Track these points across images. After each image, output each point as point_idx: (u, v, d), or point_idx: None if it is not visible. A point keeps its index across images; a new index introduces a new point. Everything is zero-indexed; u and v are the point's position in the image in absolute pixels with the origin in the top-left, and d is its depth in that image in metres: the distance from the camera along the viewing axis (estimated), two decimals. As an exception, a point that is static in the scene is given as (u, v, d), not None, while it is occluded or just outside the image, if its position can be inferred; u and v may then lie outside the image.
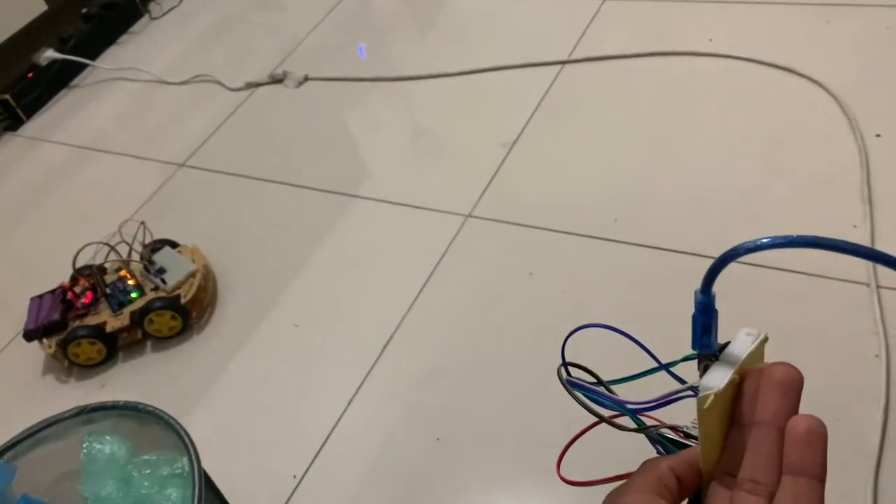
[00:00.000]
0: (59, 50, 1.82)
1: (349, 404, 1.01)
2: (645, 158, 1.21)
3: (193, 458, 0.67)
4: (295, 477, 0.96)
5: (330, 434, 0.99)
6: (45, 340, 1.15)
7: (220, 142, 1.53)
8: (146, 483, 0.68)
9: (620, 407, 0.35)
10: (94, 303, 1.17)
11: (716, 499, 0.32)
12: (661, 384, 0.36)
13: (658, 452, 0.36)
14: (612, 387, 0.37)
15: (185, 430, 0.69)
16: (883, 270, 0.95)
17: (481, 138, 1.34)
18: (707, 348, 0.32)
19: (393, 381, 1.03)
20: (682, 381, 0.34)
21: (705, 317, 0.32)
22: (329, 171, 1.38)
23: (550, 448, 0.38)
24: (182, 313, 1.15)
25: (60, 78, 1.84)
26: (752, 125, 1.21)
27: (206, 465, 0.69)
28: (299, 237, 1.27)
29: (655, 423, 0.36)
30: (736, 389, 0.32)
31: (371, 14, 1.81)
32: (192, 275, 1.18)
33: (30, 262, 1.38)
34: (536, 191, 1.22)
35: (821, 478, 0.30)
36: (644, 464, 0.34)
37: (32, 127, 1.76)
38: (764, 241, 0.30)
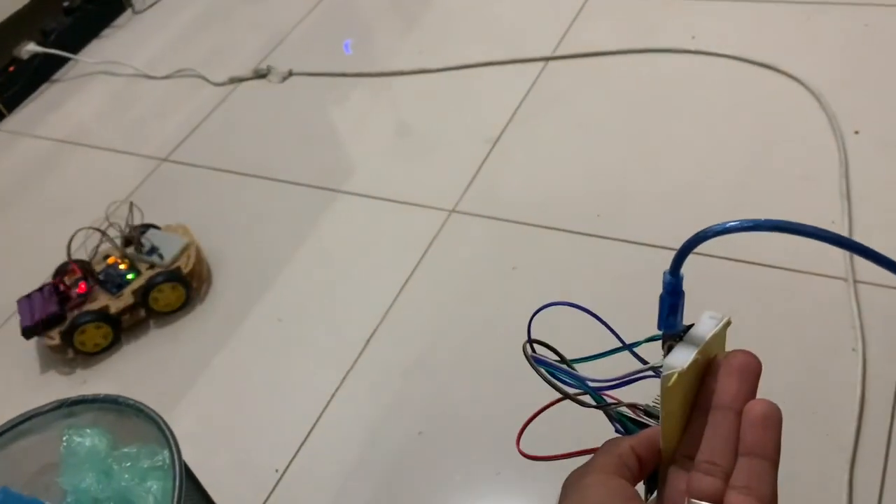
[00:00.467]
0: (40, 43, 1.81)
1: (332, 398, 1.01)
2: (628, 154, 1.22)
3: (174, 450, 0.67)
4: (277, 470, 0.96)
5: (313, 428, 0.99)
6: (47, 334, 1.15)
7: (204, 137, 1.53)
8: (126, 476, 0.68)
9: (582, 384, 0.36)
10: (90, 291, 1.18)
11: (673, 479, 0.33)
12: (627, 365, 0.36)
13: (617, 431, 0.37)
14: (578, 366, 0.37)
15: (165, 423, 0.69)
16: (860, 265, 0.96)
17: (465, 134, 1.34)
18: (672, 329, 0.33)
19: (376, 375, 1.03)
20: (644, 362, 0.35)
21: (672, 298, 0.33)
22: (313, 167, 1.38)
23: (531, 441, 0.39)
24: (184, 284, 1.17)
25: (42, 72, 1.83)
26: (733, 122, 1.22)
27: (187, 458, 0.69)
28: (283, 232, 1.27)
29: (615, 401, 0.36)
30: (699, 371, 0.33)
31: (355, 9, 1.80)
32: (187, 247, 1.20)
33: (11, 257, 1.37)
34: (520, 186, 1.23)
35: (774, 460, 0.32)
36: (606, 443, 0.35)
37: (14, 121, 1.75)
38: (731, 224, 0.31)
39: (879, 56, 1.25)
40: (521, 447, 0.38)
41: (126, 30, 1.95)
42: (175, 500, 0.64)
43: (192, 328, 1.17)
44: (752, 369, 0.33)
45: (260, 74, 1.62)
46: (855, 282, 0.95)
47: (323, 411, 1.00)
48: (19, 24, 1.79)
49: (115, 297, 1.16)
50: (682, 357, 0.32)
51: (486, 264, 1.13)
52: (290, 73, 1.60)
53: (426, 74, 1.50)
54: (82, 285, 1.17)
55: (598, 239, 1.10)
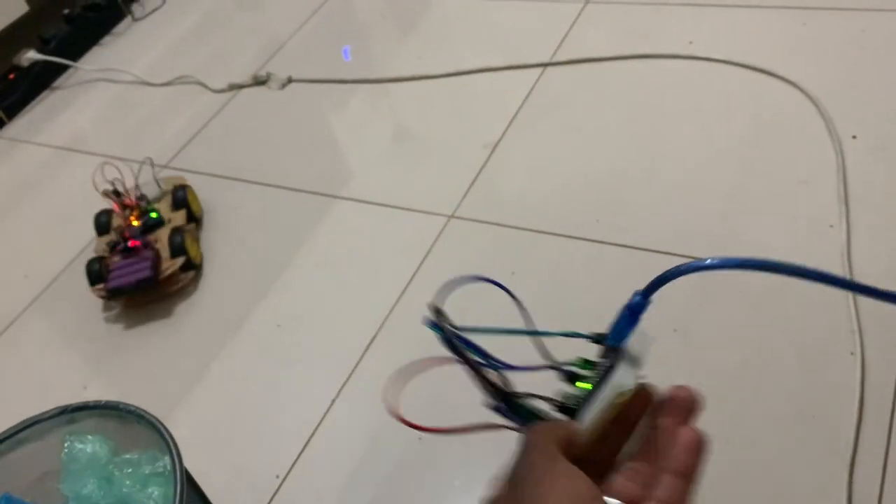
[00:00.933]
0: (40, 51, 1.81)
1: (332, 404, 1.02)
2: (626, 159, 1.22)
3: (175, 456, 0.67)
4: (278, 476, 0.96)
5: (313, 434, 0.99)
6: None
7: (203, 143, 1.53)
8: (128, 482, 0.68)
9: (487, 359, 0.36)
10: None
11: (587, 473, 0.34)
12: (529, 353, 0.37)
13: (511, 420, 0.37)
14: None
15: (166, 429, 0.70)
16: (858, 269, 0.97)
17: (464, 139, 1.35)
18: (618, 342, 0.35)
19: (375, 381, 1.03)
20: (547, 356, 0.37)
21: (633, 317, 0.35)
22: (312, 173, 1.38)
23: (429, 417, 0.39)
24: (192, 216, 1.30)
25: (42, 79, 1.83)
26: (731, 127, 1.22)
27: (188, 464, 0.69)
28: (282, 238, 1.28)
29: (524, 392, 0.37)
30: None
31: (354, 16, 1.81)
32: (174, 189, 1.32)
33: (11, 263, 1.38)
34: (519, 191, 1.23)
35: (694, 483, 0.34)
36: (535, 429, 0.35)
37: (14, 128, 1.75)
38: (710, 261, 0.33)
39: (876, 61, 1.26)
40: (402, 413, 0.38)
41: (126, 37, 1.95)
42: (176, 506, 0.65)
43: (191, 334, 1.17)
44: (692, 406, 0.36)
45: (259, 81, 1.63)
46: (853, 286, 0.95)
47: (323, 417, 1.00)
48: (19, 32, 1.79)
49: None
50: (629, 376, 0.35)
51: (485, 269, 1.13)
52: (290, 80, 1.61)
53: (425, 80, 1.50)
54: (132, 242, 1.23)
55: (597, 244, 1.11)
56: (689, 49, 1.37)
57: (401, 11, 1.76)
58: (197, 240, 1.28)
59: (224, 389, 1.08)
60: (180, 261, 1.20)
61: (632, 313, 0.35)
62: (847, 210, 1.04)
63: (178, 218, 1.27)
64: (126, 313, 1.23)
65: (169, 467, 0.68)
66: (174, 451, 0.68)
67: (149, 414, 0.72)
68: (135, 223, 1.25)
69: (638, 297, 0.35)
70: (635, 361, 0.35)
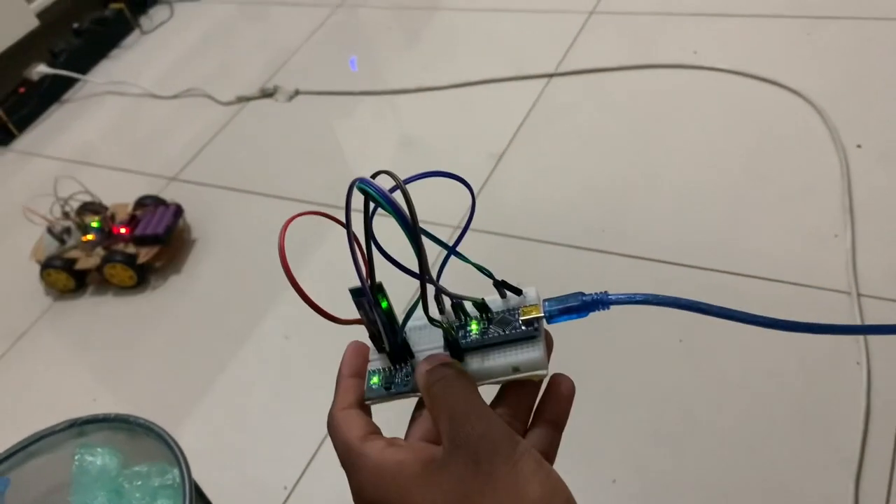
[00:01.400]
0: (50, 65, 1.83)
1: (339, 415, 1.02)
2: (632, 169, 1.23)
3: (184, 469, 0.68)
4: (286, 488, 0.96)
5: (321, 444, 0.99)
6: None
7: (211, 155, 1.54)
8: (137, 494, 0.69)
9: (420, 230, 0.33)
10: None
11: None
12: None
13: (364, 308, 0.36)
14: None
15: (175, 442, 0.70)
16: (863, 279, 0.97)
17: (469, 150, 1.35)
18: (551, 312, 0.35)
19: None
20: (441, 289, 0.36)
21: (582, 313, 0.36)
22: (319, 184, 1.39)
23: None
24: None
25: (52, 92, 1.85)
26: (736, 136, 1.22)
27: (196, 475, 0.70)
28: (289, 249, 1.28)
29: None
30: None
31: (360, 28, 1.82)
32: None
33: (20, 276, 1.39)
34: (524, 201, 1.24)
35: (562, 430, 0.36)
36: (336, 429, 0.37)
37: (24, 141, 1.77)
38: (619, 296, 0.35)
39: (881, 70, 1.26)
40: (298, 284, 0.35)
41: (134, 50, 1.97)
42: (185, 518, 0.65)
43: (199, 345, 1.18)
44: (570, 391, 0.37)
45: (266, 93, 1.64)
46: (858, 295, 0.95)
47: (330, 428, 1.01)
48: (30, 46, 1.81)
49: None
50: (539, 355, 0.34)
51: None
52: (297, 92, 1.62)
53: (431, 91, 1.51)
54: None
55: (603, 254, 1.11)
56: (693, 59, 1.38)
57: (406, 23, 1.77)
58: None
59: (232, 401, 1.09)
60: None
61: (583, 307, 0.35)
62: (852, 219, 1.04)
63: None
64: (135, 326, 1.24)
65: (178, 480, 0.68)
66: (183, 464, 0.68)
67: (158, 426, 0.72)
68: (96, 224, 1.32)
69: (605, 303, 0.35)
70: (540, 341, 0.35)
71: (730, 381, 0.92)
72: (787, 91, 1.26)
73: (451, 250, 0.36)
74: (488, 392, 0.36)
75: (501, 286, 0.36)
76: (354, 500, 0.34)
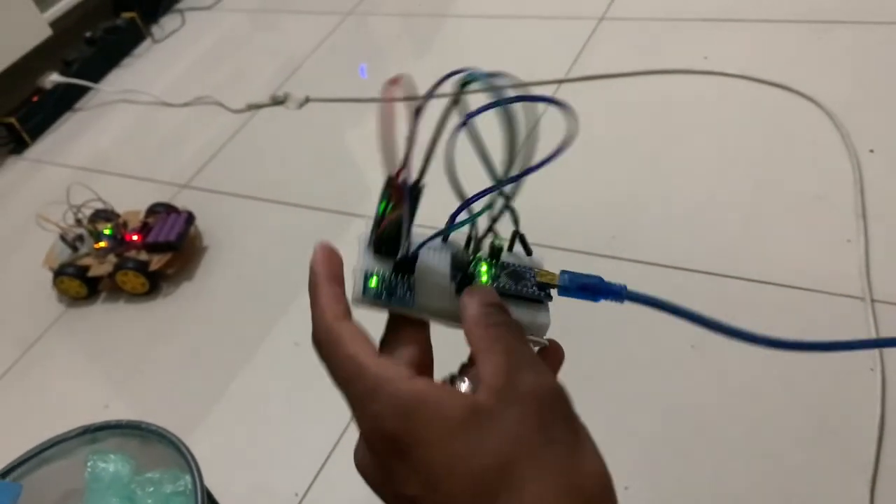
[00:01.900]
0: (63, 73, 1.85)
1: (350, 421, 1.02)
2: (642, 175, 1.23)
3: (196, 475, 0.68)
4: (297, 494, 0.96)
5: (332, 451, 0.99)
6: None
7: (222, 163, 1.55)
8: (150, 501, 0.69)
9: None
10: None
11: None
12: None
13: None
14: None
15: (187, 449, 0.71)
16: (877, 284, 0.96)
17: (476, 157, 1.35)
18: (569, 284, 0.34)
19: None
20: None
21: (596, 297, 0.34)
22: (330, 191, 1.39)
23: None
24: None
25: (64, 101, 1.86)
26: (747, 142, 1.22)
27: (208, 482, 0.70)
28: (300, 256, 1.28)
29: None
30: None
31: (370, 36, 1.83)
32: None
33: (33, 282, 1.39)
34: (535, 209, 1.23)
35: None
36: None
37: (37, 149, 1.78)
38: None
39: (893, 74, 1.25)
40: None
41: (145, 59, 1.98)
42: (197, 525, 0.65)
43: (210, 352, 1.18)
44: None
45: (277, 101, 1.65)
46: (872, 301, 0.94)
47: (342, 435, 1.01)
48: (43, 55, 1.83)
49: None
50: (548, 321, 0.33)
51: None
52: (307, 100, 1.63)
53: (440, 98, 1.51)
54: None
55: (614, 260, 1.11)
56: (703, 64, 1.37)
57: (416, 30, 1.78)
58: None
59: (243, 408, 1.09)
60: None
61: (599, 292, 0.33)
62: (865, 225, 1.03)
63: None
64: (147, 333, 1.25)
65: (190, 486, 0.68)
66: (195, 471, 0.69)
67: (170, 433, 0.73)
68: (108, 231, 1.32)
69: (620, 296, 0.34)
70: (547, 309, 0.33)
71: (743, 388, 0.91)
72: (798, 96, 1.26)
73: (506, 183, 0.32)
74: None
75: (520, 240, 0.35)
76: (364, 428, 0.29)
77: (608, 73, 1.43)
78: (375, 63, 1.72)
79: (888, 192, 1.07)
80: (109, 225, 1.31)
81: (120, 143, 1.73)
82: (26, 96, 1.82)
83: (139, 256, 1.28)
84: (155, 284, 1.29)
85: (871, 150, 1.13)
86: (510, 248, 0.35)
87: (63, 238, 1.32)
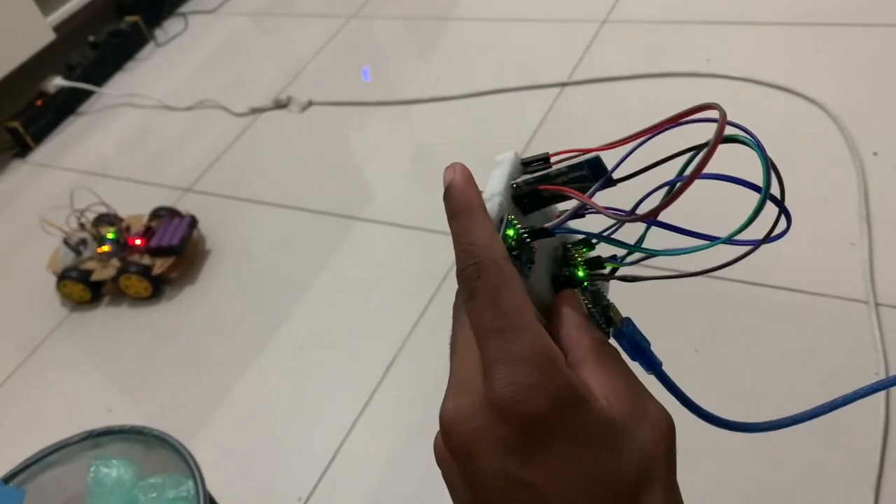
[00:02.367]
0: (66, 77, 1.85)
1: (353, 425, 1.02)
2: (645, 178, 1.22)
3: (199, 480, 0.68)
4: (300, 499, 0.96)
5: (334, 455, 0.99)
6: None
7: (225, 167, 1.55)
8: (152, 506, 0.69)
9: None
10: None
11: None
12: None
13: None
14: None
15: (190, 454, 0.71)
16: (881, 288, 0.96)
17: (483, 160, 1.35)
18: (617, 332, 0.33)
19: (397, 403, 1.03)
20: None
21: (638, 355, 0.33)
22: (333, 195, 1.39)
23: None
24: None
25: (68, 105, 1.87)
26: (751, 145, 1.22)
27: (211, 487, 0.70)
28: (303, 260, 1.29)
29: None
30: None
31: (373, 39, 1.83)
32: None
33: (36, 287, 1.40)
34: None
35: None
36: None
37: (41, 153, 1.78)
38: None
39: (896, 76, 1.25)
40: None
41: (149, 62, 1.99)
42: (200, 530, 0.65)
43: (213, 356, 1.18)
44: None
45: (280, 104, 1.65)
46: (876, 304, 0.94)
47: (344, 439, 1.01)
48: (46, 59, 1.83)
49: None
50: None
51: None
52: (310, 103, 1.63)
53: (443, 102, 1.52)
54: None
55: (617, 264, 1.11)
56: (706, 67, 1.37)
57: (419, 33, 1.78)
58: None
59: (246, 412, 1.09)
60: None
61: (641, 354, 0.33)
62: (869, 228, 1.03)
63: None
64: (150, 337, 1.25)
65: (192, 491, 0.68)
66: (198, 476, 0.69)
67: (173, 438, 0.73)
68: (111, 235, 1.32)
69: (657, 365, 0.34)
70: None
71: (746, 392, 0.91)
72: (801, 99, 1.25)
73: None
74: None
75: (612, 270, 0.33)
76: (505, 391, 0.25)
77: (611, 77, 1.43)
78: (378, 66, 1.72)
79: (892, 196, 1.07)
80: (113, 229, 1.31)
81: (123, 147, 1.74)
82: (30, 100, 1.83)
83: (142, 261, 1.28)
84: (158, 288, 1.29)
85: (875, 154, 1.13)
86: (610, 275, 0.34)
87: (66, 242, 1.33)
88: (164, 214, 1.35)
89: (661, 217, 0.30)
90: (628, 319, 0.33)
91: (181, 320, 1.25)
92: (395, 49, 1.77)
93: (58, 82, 1.83)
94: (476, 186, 0.30)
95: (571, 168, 0.31)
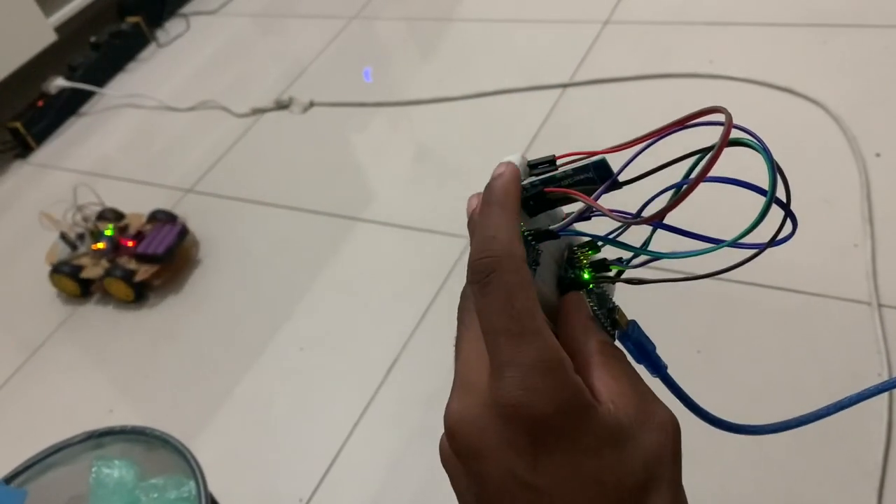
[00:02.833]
0: (68, 78, 1.85)
1: (355, 427, 1.02)
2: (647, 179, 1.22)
3: (200, 481, 0.68)
4: (301, 500, 0.96)
5: (336, 457, 0.99)
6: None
7: (227, 167, 1.55)
8: (154, 507, 0.69)
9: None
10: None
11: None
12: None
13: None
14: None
15: (192, 454, 0.70)
16: (884, 288, 0.96)
17: (484, 161, 1.35)
18: (623, 334, 0.33)
19: (398, 404, 1.03)
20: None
21: (643, 359, 0.33)
22: (334, 195, 1.39)
23: None
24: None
25: (69, 105, 1.87)
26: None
27: (212, 488, 0.70)
28: (304, 261, 1.29)
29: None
30: None
31: (375, 40, 1.83)
32: None
33: (37, 288, 1.40)
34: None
35: None
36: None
37: (42, 154, 1.78)
38: None
39: (899, 78, 1.25)
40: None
41: (150, 63, 1.99)
42: (201, 531, 0.65)
43: (214, 357, 1.18)
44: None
45: (282, 105, 1.65)
46: (879, 306, 0.94)
47: (346, 440, 1.01)
48: (48, 60, 1.83)
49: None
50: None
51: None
52: (312, 104, 1.63)
53: (445, 102, 1.52)
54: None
55: (619, 265, 1.10)
56: (709, 68, 1.37)
57: (421, 34, 1.78)
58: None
59: (247, 413, 1.09)
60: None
61: (646, 358, 0.34)
62: (871, 229, 1.03)
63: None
64: (150, 337, 1.25)
65: (194, 492, 0.68)
66: (199, 477, 0.68)
67: (174, 439, 0.72)
68: (109, 232, 1.33)
69: (662, 368, 0.34)
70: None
71: (749, 393, 0.91)
72: (804, 100, 1.25)
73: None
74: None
75: (618, 273, 0.33)
76: (512, 394, 0.25)
77: (613, 77, 1.42)
78: (380, 67, 1.72)
79: (895, 196, 1.07)
80: (111, 225, 1.32)
81: (124, 148, 1.74)
82: (31, 101, 1.83)
83: (128, 265, 1.28)
84: (141, 294, 1.28)
85: (878, 154, 1.13)
86: (616, 277, 0.34)
87: (64, 236, 1.33)
88: (161, 218, 1.35)
89: (667, 220, 0.29)
90: (634, 322, 0.33)
91: (183, 322, 1.25)
92: (397, 50, 1.77)
93: (59, 83, 1.83)
94: (519, 189, 0.30)
95: (577, 170, 0.31)
